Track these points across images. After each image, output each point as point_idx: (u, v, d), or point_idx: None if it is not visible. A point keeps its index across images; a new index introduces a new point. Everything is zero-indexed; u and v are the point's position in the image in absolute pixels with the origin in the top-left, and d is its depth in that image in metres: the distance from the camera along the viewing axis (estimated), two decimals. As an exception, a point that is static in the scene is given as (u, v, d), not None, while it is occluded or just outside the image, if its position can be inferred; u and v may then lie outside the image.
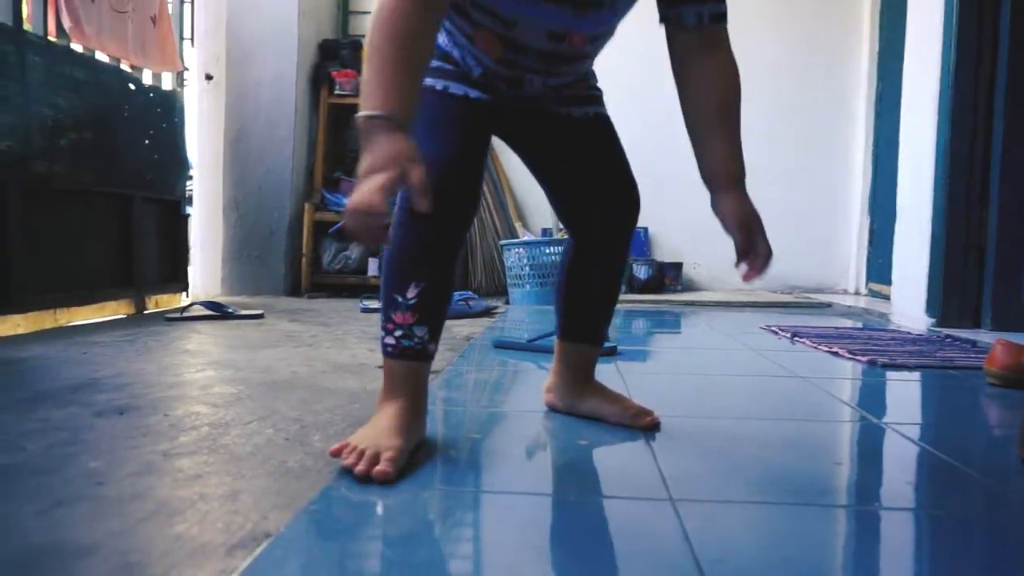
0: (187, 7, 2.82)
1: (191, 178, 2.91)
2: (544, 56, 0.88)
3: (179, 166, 2.66)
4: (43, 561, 0.57)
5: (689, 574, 0.57)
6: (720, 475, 0.82)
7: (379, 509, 0.69)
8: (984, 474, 0.86)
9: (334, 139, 3.28)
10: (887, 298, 3.03)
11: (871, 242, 3.83)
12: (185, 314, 2.27)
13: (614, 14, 0.87)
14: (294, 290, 3.09)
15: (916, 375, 1.57)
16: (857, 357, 1.72)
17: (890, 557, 0.60)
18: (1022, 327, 2.29)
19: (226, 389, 1.22)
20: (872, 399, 1.38)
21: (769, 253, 0.87)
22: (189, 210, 2.88)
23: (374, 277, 3.07)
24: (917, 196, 2.61)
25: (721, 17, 0.87)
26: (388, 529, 0.65)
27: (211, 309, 2.29)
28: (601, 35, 0.89)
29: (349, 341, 1.84)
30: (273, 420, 1.02)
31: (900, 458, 0.97)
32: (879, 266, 3.58)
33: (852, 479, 0.86)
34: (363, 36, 3.37)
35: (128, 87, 2.37)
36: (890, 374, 1.58)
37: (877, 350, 1.83)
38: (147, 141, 2.46)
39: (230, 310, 2.29)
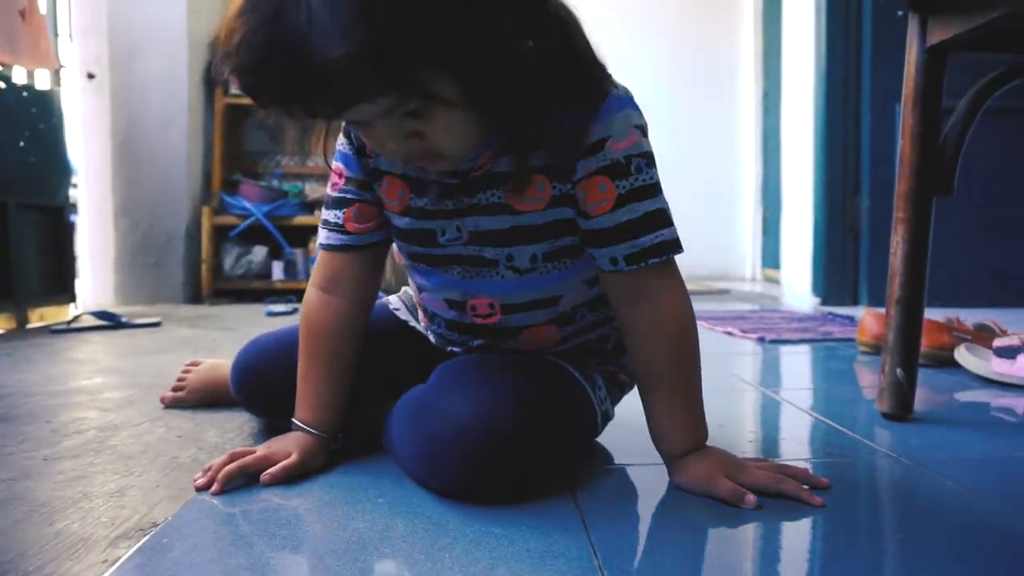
0: (62, 2, 2.66)
1: (75, 185, 2.75)
2: (453, 326, 0.78)
3: (61, 170, 2.51)
4: (-96, 568, 0.54)
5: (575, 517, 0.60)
6: (619, 441, 0.86)
7: (273, 496, 0.69)
8: (857, 430, 0.94)
9: (231, 140, 3.17)
10: (778, 281, 3.22)
11: (764, 231, 4.06)
12: (73, 325, 2.14)
13: (522, 280, 0.72)
14: (194, 297, 2.97)
15: (800, 348, 1.69)
16: (748, 335, 1.83)
17: (775, 502, 0.65)
18: (895, 303, 2.50)
19: (116, 394, 1.17)
20: (761, 370, 1.47)
21: (795, 475, 0.69)
22: (75, 217, 2.71)
23: (279, 281, 2.99)
24: (800, 186, 2.79)
25: (644, 255, 0.66)
26: (282, 513, 0.65)
27: (102, 319, 2.18)
28: (522, 306, 0.74)
29: (251, 343, 1.79)
30: (165, 420, 0.99)
31: (784, 420, 1.05)
32: (772, 253, 3.80)
33: (746, 441, 0.92)
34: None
35: (-2, 86, 2.21)
36: (777, 348, 1.69)
37: (766, 328, 1.95)
38: (22, 143, 2.31)
39: (123, 319, 2.18)
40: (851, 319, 2.15)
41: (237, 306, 2.83)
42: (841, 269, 2.62)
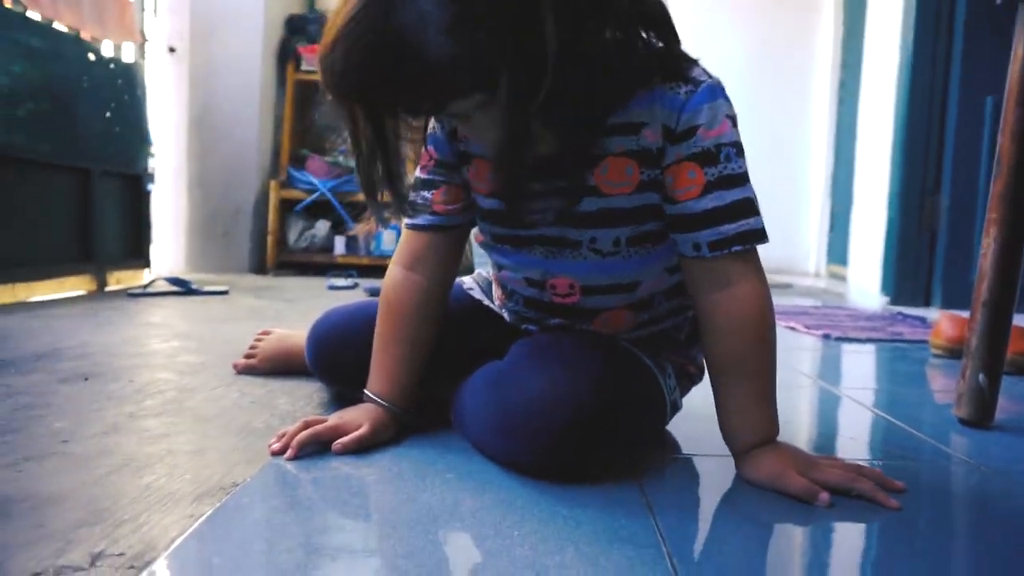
0: (148, -22, 2.76)
1: (153, 155, 2.86)
2: (532, 303, 0.80)
3: (141, 141, 2.61)
4: (12, 508, 0.57)
5: (649, 523, 0.60)
6: (687, 432, 0.86)
7: (344, 465, 0.71)
8: (928, 433, 0.91)
9: (300, 116, 3.24)
10: (844, 279, 3.12)
11: (832, 226, 3.93)
12: (148, 290, 2.24)
13: (604, 263, 0.72)
14: (259, 268, 3.06)
15: (867, 347, 1.64)
16: (812, 331, 1.78)
17: (848, 502, 0.64)
18: (970, 305, 2.39)
19: (191, 359, 1.22)
20: (825, 368, 1.43)
21: (869, 476, 0.67)
22: (151, 186, 2.83)
23: (340, 256, 3.06)
24: (875, 182, 2.69)
25: (727, 242, 0.66)
26: (352, 482, 0.67)
27: (175, 285, 2.27)
28: (601, 288, 0.74)
29: (314, 316, 1.84)
30: (239, 386, 1.03)
31: (852, 421, 1.02)
32: (838, 249, 3.67)
33: (809, 438, 0.90)
34: (330, 11, 3.33)
35: (87, 57, 2.31)
36: (843, 346, 1.64)
37: (831, 324, 1.90)
38: (108, 114, 2.41)
39: (194, 286, 2.27)
40: (923, 320, 2.07)
41: (300, 278, 2.91)
42: (914, 269, 2.52)
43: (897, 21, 2.55)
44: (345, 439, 0.73)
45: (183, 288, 2.25)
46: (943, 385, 1.28)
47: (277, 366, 1.10)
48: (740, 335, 0.68)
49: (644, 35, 0.63)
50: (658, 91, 0.65)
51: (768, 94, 4.00)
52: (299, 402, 0.95)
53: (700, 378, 0.84)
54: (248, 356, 1.13)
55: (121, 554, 0.50)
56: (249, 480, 0.65)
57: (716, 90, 0.66)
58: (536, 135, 0.59)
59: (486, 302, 0.91)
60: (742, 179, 0.67)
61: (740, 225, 0.66)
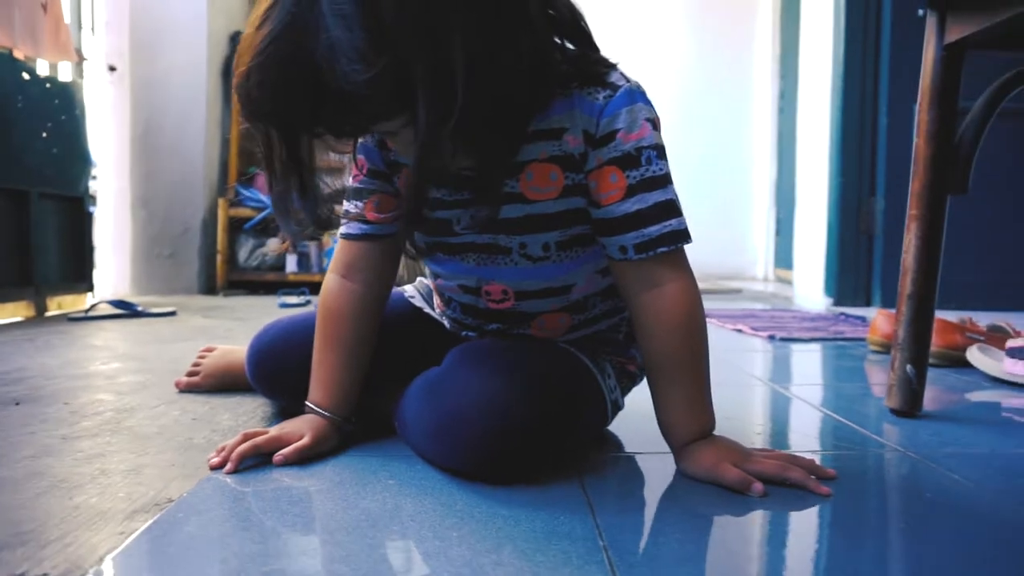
0: (86, -5, 2.70)
1: (95, 177, 2.78)
2: (468, 310, 0.80)
3: (81, 161, 2.55)
4: (-71, 534, 0.55)
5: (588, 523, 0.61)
6: (629, 431, 0.87)
7: (285, 476, 0.70)
8: (862, 424, 0.94)
9: (248, 133, 3.20)
10: (791, 282, 3.21)
11: (777, 231, 4.04)
12: (91, 314, 2.17)
13: (535, 268, 0.73)
14: (209, 289, 3.00)
15: (811, 346, 1.69)
16: (758, 332, 1.83)
17: (781, 491, 0.66)
18: (908, 305, 2.48)
19: (132, 378, 1.19)
20: (771, 367, 1.47)
21: (801, 465, 0.69)
22: (94, 208, 2.75)
23: (292, 273, 3.02)
24: (815, 187, 2.78)
25: (652, 244, 0.67)
26: (293, 492, 0.66)
27: (119, 308, 2.21)
28: (535, 293, 0.76)
29: (265, 333, 1.81)
30: (180, 404, 1.01)
31: (792, 415, 1.05)
32: (785, 253, 3.78)
33: (754, 434, 0.92)
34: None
35: (21, 77, 2.25)
36: (787, 346, 1.69)
37: (777, 326, 1.95)
38: (44, 135, 2.34)
39: (140, 308, 2.21)
40: (863, 319, 2.14)
41: (251, 297, 2.86)
42: (854, 270, 2.61)
43: (828, 33, 2.65)
44: (286, 450, 0.72)
45: (128, 311, 2.19)
46: (879, 379, 1.32)
47: (221, 382, 1.08)
48: (671, 333, 0.69)
49: (559, 42, 0.65)
50: (576, 96, 0.67)
51: (712, 104, 4.11)
52: (242, 417, 0.93)
53: (642, 377, 0.86)
54: (191, 373, 1.10)
55: (45, 575, 0.49)
56: (186, 495, 0.64)
57: (635, 94, 0.67)
58: (454, 151, 0.60)
59: (427, 310, 0.91)
60: (664, 181, 0.68)
61: (664, 226, 0.68)
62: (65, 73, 2.51)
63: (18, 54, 2.25)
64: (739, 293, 3.28)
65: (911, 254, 0.96)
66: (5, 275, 2.17)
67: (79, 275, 2.54)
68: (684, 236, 0.69)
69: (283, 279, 3.01)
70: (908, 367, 0.95)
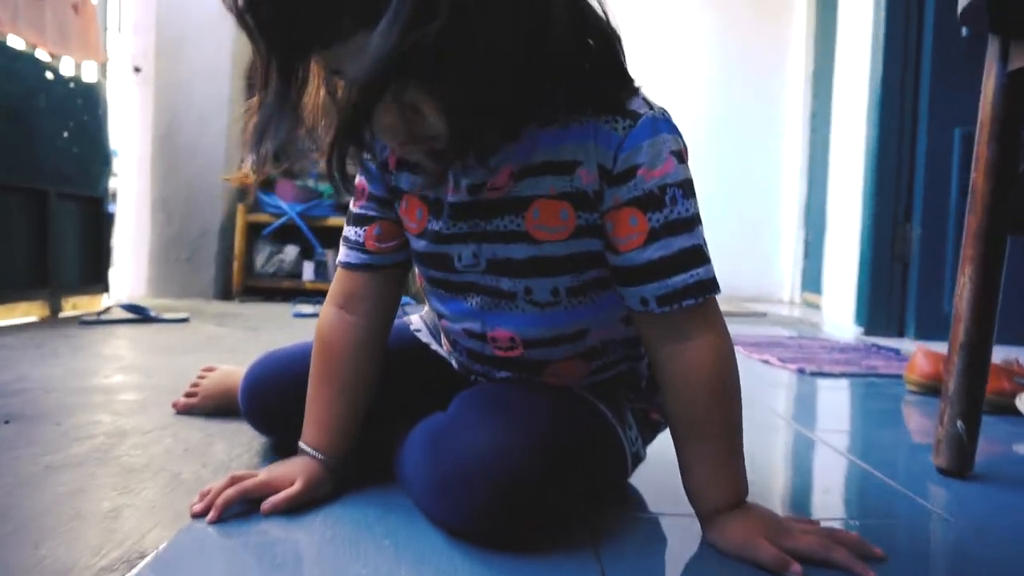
0: (114, -4, 2.70)
1: (116, 174, 2.77)
2: (475, 356, 0.74)
3: (102, 161, 2.53)
4: None
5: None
6: (653, 486, 0.80)
7: (273, 527, 0.64)
8: (905, 483, 0.86)
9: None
10: (819, 307, 3.10)
11: (806, 254, 3.93)
12: (103, 317, 2.15)
13: (543, 315, 0.66)
14: (225, 294, 2.97)
15: (842, 382, 1.60)
16: (787, 365, 1.74)
17: (814, 568, 0.58)
18: (943, 335, 2.37)
19: (132, 396, 1.15)
20: (799, 407, 1.39)
21: (845, 542, 0.60)
22: (113, 208, 2.74)
23: (309, 281, 2.98)
24: (847, 211, 2.69)
25: (677, 296, 0.60)
26: (279, 548, 0.60)
27: (132, 312, 2.18)
28: (545, 341, 0.68)
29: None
30: (175, 429, 0.96)
31: (826, 468, 0.97)
32: (813, 277, 3.67)
33: (779, 490, 0.85)
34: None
35: (45, 76, 2.24)
36: (817, 382, 1.60)
37: (806, 358, 1.86)
38: (66, 134, 2.33)
39: (152, 313, 2.18)
40: (896, 352, 2.04)
41: (266, 304, 2.83)
42: (887, 299, 2.51)
43: (866, 52, 2.56)
44: (275, 498, 0.66)
45: (140, 315, 2.16)
46: (919, 424, 1.24)
47: (219, 405, 1.03)
48: (699, 391, 0.62)
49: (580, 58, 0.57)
50: (592, 125, 0.59)
51: (740, 121, 4.02)
52: (236, 449, 0.88)
53: (665, 426, 0.79)
54: (189, 394, 1.06)
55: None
56: (161, 550, 0.58)
57: (658, 123, 0.60)
58: (417, 104, 0.52)
59: (434, 346, 0.85)
60: (691, 223, 0.61)
61: (690, 276, 0.60)
62: (90, 73, 2.50)
63: (45, 53, 2.24)
64: (764, 317, 3.18)
65: (965, 299, 0.88)
66: (21, 275, 2.15)
67: (95, 276, 2.52)
68: (712, 287, 0.62)
69: (299, 286, 2.98)
70: (959, 423, 0.87)
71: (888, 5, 2.47)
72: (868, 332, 2.48)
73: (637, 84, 0.61)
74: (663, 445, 0.79)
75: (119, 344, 1.73)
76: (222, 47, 2.92)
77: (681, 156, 0.61)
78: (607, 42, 0.58)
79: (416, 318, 0.89)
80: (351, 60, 0.49)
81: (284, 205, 2.97)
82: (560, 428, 0.65)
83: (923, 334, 2.42)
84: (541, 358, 0.71)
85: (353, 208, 0.72)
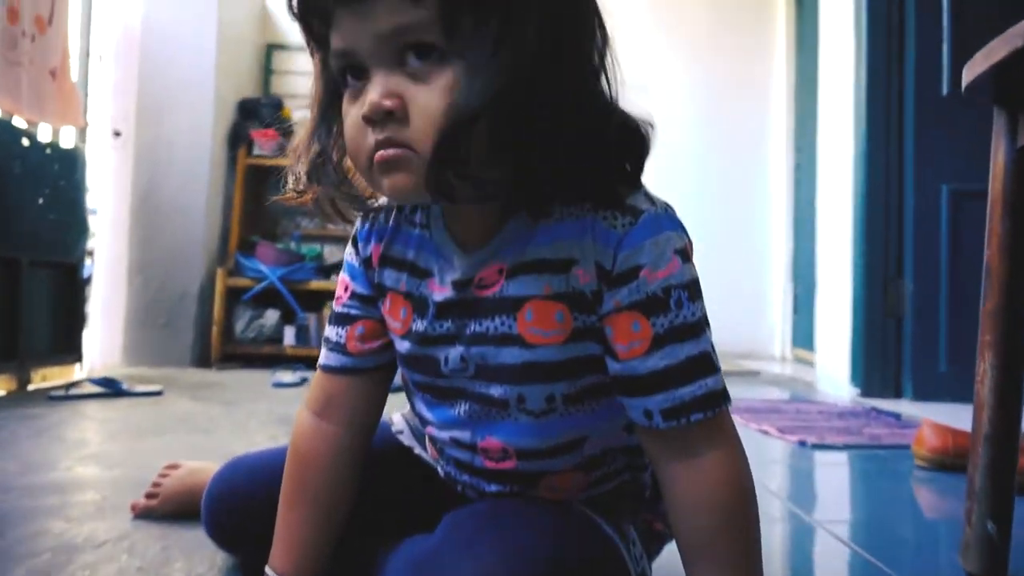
0: (96, 61, 2.67)
1: (93, 234, 2.70)
2: (463, 466, 0.66)
3: (78, 228, 2.47)
4: None
5: None
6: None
7: None
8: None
9: (252, 201, 3.13)
10: (811, 363, 3.05)
11: (795, 309, 3.90)
12: (72, 392, 2.04)
13: (538, 424, 0.60)
14: (203, 360, 2.87)
15: (845, 455, 1.53)
16: (786, 436, 1.67)
17: None
18: (941, 396, 2.33)
19: (89, 496, 1.06)
20: (802, 488, 1.32)
21: None
22: (89, 274, 2.66)
23: (290, 346, 2.90)
24: (836, 266, 2.66)
25: (684, 410, 0.54)
26: None
27: (102, 386, 2.08)
28: (540, 453, 0.62)
29: (251, 426, 1.68)
30: (132, 539, 0.87)
31: (838, 569, 0.90)
32: (804, 332, 3.63)
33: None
34: (285, 96, 3.28)
35: (21, 143, 2.19)
36: (819, 455, 1.53)
37: (805, 426, 1.79)
38: (41, 200, 2.26)
39: (124, 387, 2.09)
40: (897, 417, 1.98)
41: (246, 371, 2.73)
42: (882, 358, 2.46)
43: (848, 105, 2.58)
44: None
45: (111, 389, 2.06)
46: (931, 502, 1.17)
47: (181, 507, 0.94)
48: (708, 515, 0.55)
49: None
50: (590, 220, 0.54)
51: (724, 176, 4.04)
52: (197, 568, 0.79)
53: (670, 537, 0.71)
54: (149, 495, 0.97)
55: None
56: None
57: (661, 220, 0.54)
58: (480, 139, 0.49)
59: (417, 450, 0.78)
60: (698, 328, 0.55)
61: (698, 387, 0.54)
62: (68, 138, 2.46)
63: (20, 120, 2.20)
64: (758, 376, 3.13)
65: (987, 386, 0.82)
66: (-13, 347, 2.06)
67: (68, 346, 2.43)
68: (723, 398, 0.55)
69: (280, 352, 2.89)
70: (989, 524, 0.80)
71: (869, 61, 2.50)
72: (865, 393, 2.42)
73: (642, 182, 0.56)
74: (666, 559, 0.71)
75: (84, 426, 1.64)
76: (203, 110, 2.89)
77: (686, 255, 0.56)
78: (641, 137, 0.55)
79: (398, 417, 0.82)
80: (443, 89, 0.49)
81: (265, 269, 2.91)
82: (559, 552, 0.58)
83: (921, 395, 2.37)
84: (536, 470, 0.64)
85: (335, 307, 0.67)
